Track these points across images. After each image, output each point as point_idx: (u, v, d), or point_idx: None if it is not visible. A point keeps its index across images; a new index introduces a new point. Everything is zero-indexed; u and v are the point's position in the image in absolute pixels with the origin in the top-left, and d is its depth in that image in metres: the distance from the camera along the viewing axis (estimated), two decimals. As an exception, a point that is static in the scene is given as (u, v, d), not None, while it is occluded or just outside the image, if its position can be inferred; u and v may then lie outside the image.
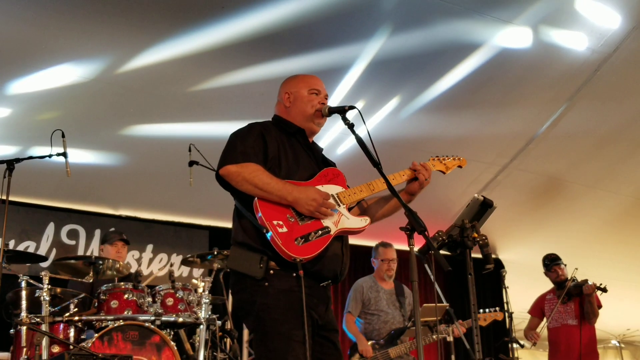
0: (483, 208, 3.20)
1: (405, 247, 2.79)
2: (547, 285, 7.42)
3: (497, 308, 6.33)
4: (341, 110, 3.34)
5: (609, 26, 6.49)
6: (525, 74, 7.11)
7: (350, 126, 3.28)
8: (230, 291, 3.35)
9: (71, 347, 4.83)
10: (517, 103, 7.54)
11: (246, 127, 3.38)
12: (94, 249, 7.57)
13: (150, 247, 7.96)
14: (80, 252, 7.49)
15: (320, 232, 3.15)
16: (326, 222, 3.19)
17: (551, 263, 7.09)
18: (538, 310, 7.26)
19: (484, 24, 6.27)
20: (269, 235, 3.05)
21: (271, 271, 3.10)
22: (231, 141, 3.31)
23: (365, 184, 3.42)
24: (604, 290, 6.69)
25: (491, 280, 9.54)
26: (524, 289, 7.91)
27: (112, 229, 6.81)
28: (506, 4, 6.08)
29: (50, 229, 7.38)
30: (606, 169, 8.75)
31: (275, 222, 3.08)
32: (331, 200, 3.22)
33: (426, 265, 6.32)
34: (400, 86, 6.80)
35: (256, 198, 3.12)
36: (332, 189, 3.32)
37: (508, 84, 7.20)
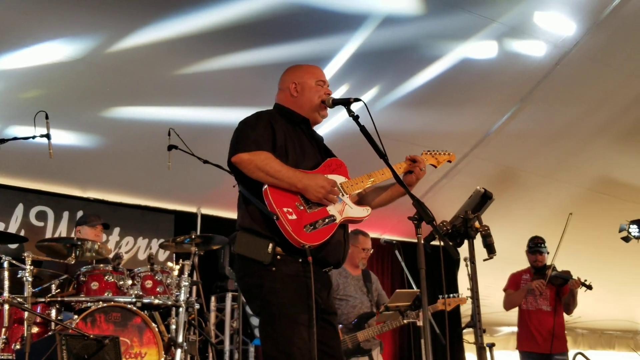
0: (483, 199, 3.37)
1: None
2: (503, 273, 7.65)
3: (462, 293, 6.51)
4: (346, 102, 3.45)
5: (565, 33, 6.95)
6: (489, 76, 7.50)
7: (355, 118, 3.37)
8: (236, 276, 3.45)
9: (53, 326, 4.88)
10: (480, 100, 7.85)
11: (254, 116, 3.48)
12: (62, 231, 7.52)
13: (117, 230, 7.93)
14: (49, 234, 7.41)
15: (327, 220, 3.28)
16: (332, 211, 3.32)
17: (537, 247, 7.25)
18: (513, 285, 7.38)
19: (455, 38, 6.82)
20: (277, 221, 3.16)
21: (278, 256, 3.21)
22: (241, 129, 3.40)
23: (366, 174, 3.56)
24: (589, 287, 6.86)
25: (447, 267, 9.83)
26: (480, 276, 8.15)
27: (90, 212, 6.77)
28: (476, 20, 6.56)
29: (19, 210, 7.29)
30: (560, 161, 9.11)
31: (285, 209, 3.19)
32: (336, 188, 3.36)
33: (397, 252, 6.57)
34: (378, 79, 7.04)
35: (266, 185, 3.22)
36: (336, 179, 3.43)
37: (473, 83, 7.55)
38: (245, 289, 3.37)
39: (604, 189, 9.68)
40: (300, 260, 3.21)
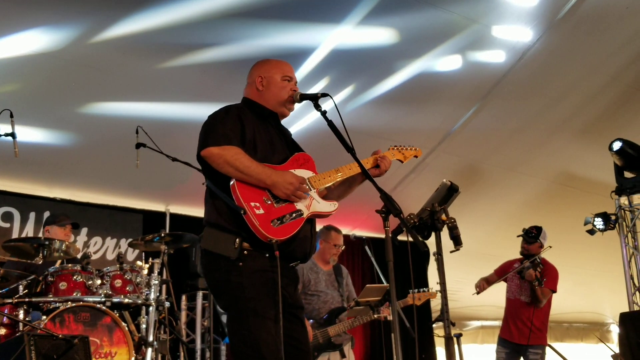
0: (450, 192, 3.41)
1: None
2: (472, 267, 7.74)
3: (432, 288, 6.53)
4: (313, 97, 3.47)
5: (523, 40, 7.27)
6: (455, 81, 7.81)
7: (323, 113, 3.39)
8: (203, 272, 3.45)
9: (21, 327, 4.82)
10: (445, 98, 8.07)
11: (223, 110, 3.47)
12: (29, 232, 7.44)
13: (85, 231, 7.86)
14: (15, 235, 7.31)
15: (294, 214, 3.29)
16: (299, 206, 3.33)
17: (525, 234, 7.15)
18: (502, 273, 7.29)
19: (422, 54, 7.20)
20: (245, 215, 3.16)
21: (245, 252, 3.21)
22: (210, 123, 3.40)
23: (334, 169, 3.57)
24: (540, 283, 6.71)
25: (417, 262, 9.90)
26: (449, 270, 8.24)
27: (59, 212, 6.68)
28: (442, 39, 7.02)
29: (-16, 211, 7.24)
30: (524, 153, 9.25)
31: (252, 204, 3.19)
32: (304, 185, 3.37)
33: (366, 248, 6.60)
34: (352, 80, 7.17)
35: (233, 180, 3.22)
36: (304, 174, 3.45)
37: (439, 87, 7.85)
38: (213, 284, 3.37)
39: (568, 182, 9.84)
40: (267, 255, 3.22)
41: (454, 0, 6.53)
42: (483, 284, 7.15)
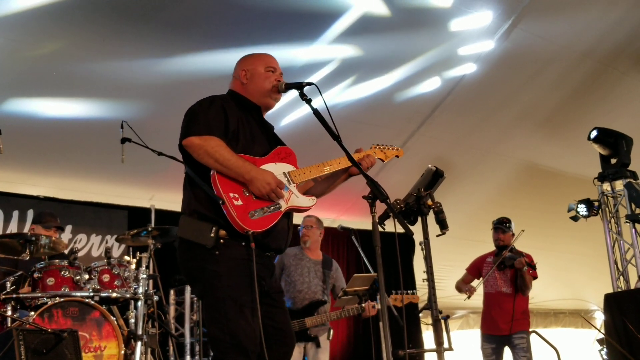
0: (435, 177, 3.45)
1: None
2: (457, 256, 7.80)
3: (415, 291, 6.46)
4: (298, 86, 3.49)
5: (487, 49, 7.88)
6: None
7: (308, 101, 3.41)
8: (178, 260, 3.44)
9: (10, 323, 4.80)
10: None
11: (208, 99, 3.49)
12: (12, 231, 7.38)
13: (69, 228, 7.83)
14: (-1, 234, 7.28)
15: (272, 207, 3.33)
16: None
17: (499, 224, 7.22)
18: (475, 270, 7.40)
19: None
20: (223, 205, 3.19)
21: (221, 240, 3.24)
22: (194, 111, 3.42)
23: (315, 165, 3.60)
24: (534, 268, 6.85)
25: (402, 253, 9.96)
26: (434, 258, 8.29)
27: (47, 212, 6.63)
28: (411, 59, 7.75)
29: (-32, 210, 7.18)
30: (498, 135, 9.39)
31: (231, 195, 3.23)
32: (283, 179, 3.40)
33: (353, 238, 6.61)
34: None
35: (213, 170, 3.25)
36: (284, 167, 3.50)
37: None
38: (188, 272, 3.39)
39: (542, 166, 9.95)
40: (244, 244, 3.24)
41: (426, 42, 7.41)
42: (472, 288, 7.21)
